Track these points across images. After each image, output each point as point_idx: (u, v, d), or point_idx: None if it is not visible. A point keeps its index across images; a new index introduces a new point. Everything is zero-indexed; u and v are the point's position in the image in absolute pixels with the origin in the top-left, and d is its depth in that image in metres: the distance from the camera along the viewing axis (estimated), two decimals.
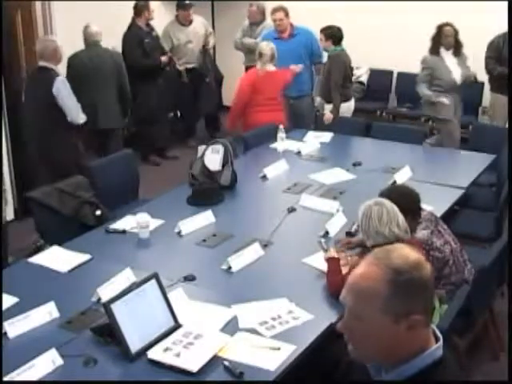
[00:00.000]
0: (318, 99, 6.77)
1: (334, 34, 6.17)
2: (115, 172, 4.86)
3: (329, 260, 3.25)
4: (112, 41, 7.40)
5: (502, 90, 6.32)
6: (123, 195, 4.75)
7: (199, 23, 7.70)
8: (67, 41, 6.80)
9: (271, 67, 6.04)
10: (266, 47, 6.08)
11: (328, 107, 6.29)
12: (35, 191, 4.28)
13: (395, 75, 8.12)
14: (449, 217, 4.12)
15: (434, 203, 3.74)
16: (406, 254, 1.58)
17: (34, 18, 5.72)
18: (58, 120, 5.13)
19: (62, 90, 5.10)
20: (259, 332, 2.85)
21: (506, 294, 4.16)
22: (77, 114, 5.21)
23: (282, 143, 5.46)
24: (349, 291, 1.63)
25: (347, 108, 6.38)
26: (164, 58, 7.27)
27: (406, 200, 3.45)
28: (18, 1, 5.62)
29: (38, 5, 6.24)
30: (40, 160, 5.31)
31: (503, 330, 3.98)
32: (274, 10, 6.67)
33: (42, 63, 5.15)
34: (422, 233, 3.49)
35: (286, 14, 6.63)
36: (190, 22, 7.59)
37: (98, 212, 4.26)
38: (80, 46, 7.02)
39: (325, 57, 6.46)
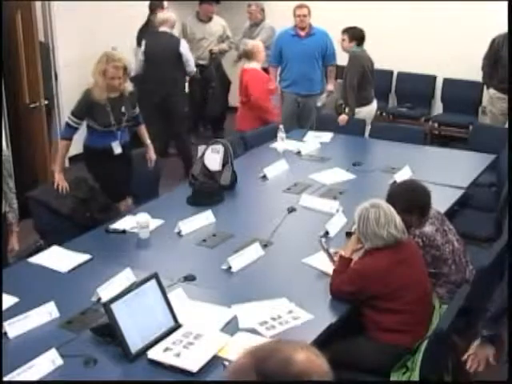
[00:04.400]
0: (322, 99, 6.76)
1: (358, 35, 6.07)
2: (135, 169, 4.78)
3: (340, 257, 3.24)
4: (113, 40, 7.40)
5: (505, 90, 6.38)
6: (143, 192, 4.65)
7: (218, 24, 7.72)
8: (67, 40, 6.83)
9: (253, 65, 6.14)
10: (250, 44, 6.28)
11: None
12: (34, 191, 4.28)
13: (395, 75, 8.12)
14: (449, 217, 4.12)
15: (434, 203, 3.73)
16: (291, 360, 1.26)
17: (33, 18, 5.71)
18: (178, 71, 6.54)
19: (186, 49, 6.54)
20: (259, 332, 2.85)
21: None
22: (193, 67, 6.67)
23: (282, 143, 5.46)
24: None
25: (367, 112, 6.19)
26: None
27: (417, 196, 3.50)
28: (18, 1, 5.61)
29: (37, 5, 6.23)
30: (160, 107, 6.49)
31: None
32: (299, 6, 6.66)
33: (163, 29, 6.49)
34: (428, 227, 3.52)
35: (309, 12, 6.64)
36: (209, 19, 7.62)
37: (88, 214, 4.23)
38: (79, 45, 7.03)
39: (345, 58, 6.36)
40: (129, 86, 4.49)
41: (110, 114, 4.39)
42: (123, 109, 4.46)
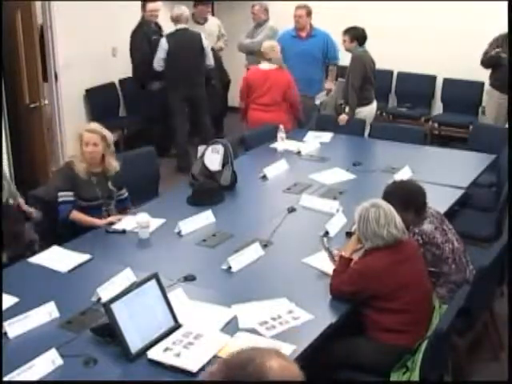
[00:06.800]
0: (321, 97, 6.76)
1: (359, 35, 6.07)
2: (135, 169, 4.76)
3: (340, 258, 3.24)
4: (113, 40, 7.41)
5: (500, 88, 6.39)
6: (143, 192, 4.61)
7: (214, 24, 7.71)
8: (67, 40, 6.82)
9: (265, 66, 6.03)
10: (264, 44, 6.15)
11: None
12: (35, 190, 4.28)
13: (395, 75, 8.12)
14: (449, 217, 4.12)
15: (435, 203, 3.74)
16: (266, 368, 1.24)
17: (33, 18, 5.72)
18: (201, 64, 6.87)
19: (207, 43, 6.90)
20: (259, 332, 2.85)
21: (505, 293, 4.16)
22: (212, 60, 7.00)
23: (282, 143, 5.46)
24: None
25: (368, 112, 6.19)
26: None
27: (412, 195, 3.51)
28: (18, 1, 5.62)
29: (37, 5, 6.23)
30: (187, 98, 6.87)
31: (503, 329, 3.98)
32: (297, 7, 6.71)
33: (180, 25, 6.78)
34: (426, 225, 3.52)
35: (308, 13, 6.67)
36: (205, 20, 7.62)
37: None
38: (79, 45, 7.03)
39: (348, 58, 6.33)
40: (114, 163, 4.06)
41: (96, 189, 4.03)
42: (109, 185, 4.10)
